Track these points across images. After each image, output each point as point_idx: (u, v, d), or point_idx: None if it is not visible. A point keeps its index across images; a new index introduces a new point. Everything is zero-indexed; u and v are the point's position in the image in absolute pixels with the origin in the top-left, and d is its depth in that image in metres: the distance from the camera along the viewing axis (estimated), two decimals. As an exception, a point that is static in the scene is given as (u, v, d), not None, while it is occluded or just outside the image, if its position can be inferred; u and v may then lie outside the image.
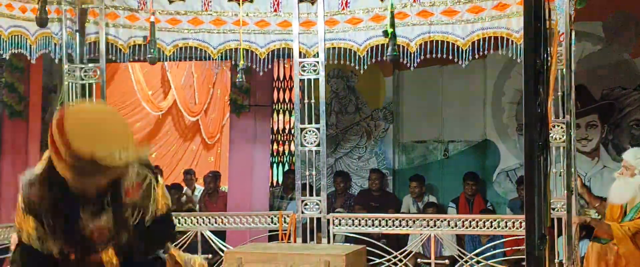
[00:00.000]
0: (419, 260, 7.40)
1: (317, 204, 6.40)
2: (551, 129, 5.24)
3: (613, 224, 5.57)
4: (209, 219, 6.73)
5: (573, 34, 5.46)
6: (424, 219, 6.34)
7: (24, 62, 7.25)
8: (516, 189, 8.49)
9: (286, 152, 10.15)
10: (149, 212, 2.57)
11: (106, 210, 2.47)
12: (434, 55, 6.04)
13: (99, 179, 2.35)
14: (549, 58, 2.93)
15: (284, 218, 6.46)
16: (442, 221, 6.29)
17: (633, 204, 5.57)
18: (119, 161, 2.27)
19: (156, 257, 2.73)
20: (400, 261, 6.41)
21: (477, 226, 6.16)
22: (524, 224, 2.93)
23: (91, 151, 2.24)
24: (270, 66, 6.70)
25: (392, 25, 5.56)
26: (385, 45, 5.74)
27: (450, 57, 5.99)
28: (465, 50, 5.93)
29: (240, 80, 6.25)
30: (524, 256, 2.77)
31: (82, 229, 2.49)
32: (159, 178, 2.62)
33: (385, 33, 5.59)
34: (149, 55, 6.04)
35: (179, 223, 6.55)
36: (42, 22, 5.48)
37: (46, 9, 5.54)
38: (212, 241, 6.69)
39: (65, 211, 2.46)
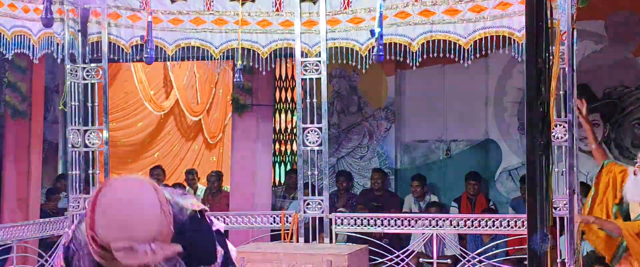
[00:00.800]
0: (421, 260, 7.40)
1: (320, 203, 6.40)
2: (553, 128, 5.23)
3: (620, 222, 5.56)
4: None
5: (575, 33, 5.45)
6: (426, 219, 6.33)
7: (27, 62, 7.26)
8: (519, 188, 8.49)
9: (288, 151, 10.16)
10: None
11: None
12: (435, 55, 6.03)
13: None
14: (551, 57, 2.93)
15: (286, 218, 6.46)
16: (444, 221, 6.29)
17: None
18: (138, 261, 2.21)
19: None
20: (403, 260, 6.41)
21: (479, 226, 6.16)
22: (526, 223, 2.93)
23: (108, 242, 2.21)
24: (272, 66, 6.70)
25: (380, 25, 5.55)
26: (374, 46, 5.75)
27: (452, 57, 5.98)
28: (467, 49, 5.93)
29: (238, 80, 6.24)
30: (527, 256, 2.77)
31: None
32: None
33: (372, 33, 5.60)
34: (146, 55, 6.05)
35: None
36: (48, 22, 5.48)
37: (52, 9, 5.54)
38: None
39: None
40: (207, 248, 2.54)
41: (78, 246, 2.45)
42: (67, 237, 2.49)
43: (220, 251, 2.59)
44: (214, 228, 2.59)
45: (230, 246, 2.66)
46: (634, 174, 5.57)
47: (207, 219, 2.56)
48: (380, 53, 5.52)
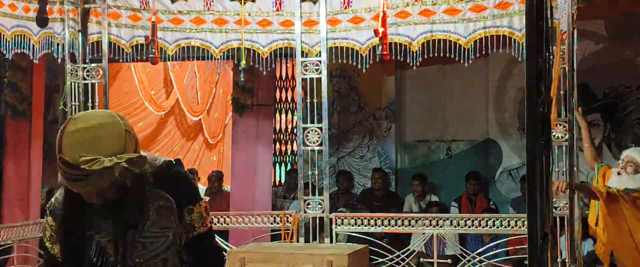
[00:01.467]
0: (421, 259, 7.40)
1: (320, 203, 6.40)
2: (553, 128, 5.24)
3: (601, 186, 5.59)
4: (212, 218, 6.72)
5: (575, 32, 5.45)
6: (427, 219, 6.34)
7: (27, 61, 7.26)
8: (519, 188, 8.49)
9: (289, 151, 10.15)
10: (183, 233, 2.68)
11: (122, 223, 2.56)
12: (436, 54, 6.04)
13: (93, 185, 2.42)
14: (551, 57, 2.93)
15: (287, 218, 6.47)
16: (444, 220, 6.29)
17: None
18: (107, 163, 2.36)
19: None
20: (403, 260, 6.41)
21: (479, 225, 6.16)
22: (526, 223, 2.93)
23: (76, 158, 2.35)
24: (272, 65, 6.70)
25: (384, 25, 5.56)
26: (377, 45, 5.76)
27: (453, 56, 5.99)
28: (468, 49, 5.93)
29: (242, 80, 6.25)
30: (527, 255, 2.77)
31: (94, 238, 2.60)
32: (199, 202, 2.72)
33: (376, 33, 5.60)
34: (150, 55, 6.05)
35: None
36: (42, 22, 5.48)
37: (46, 8, 5.55)
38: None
39: (70, 218, 2.60)
40: (187, 187, 2.69)
41: (57, 203, 2.65)
42: (53, 200, 2.68)
43: (201, 188, 2.78)
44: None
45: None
46: (618, 174, 5.59)
47: (180, 166, 2.74)
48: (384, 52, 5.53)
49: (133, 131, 2.50)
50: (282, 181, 9.97)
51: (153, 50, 6.00)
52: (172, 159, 2.74)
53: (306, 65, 6.37)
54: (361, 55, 6.24)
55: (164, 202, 2.60)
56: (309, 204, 6.42)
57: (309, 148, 6.39)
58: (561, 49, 5.24)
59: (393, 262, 6.43)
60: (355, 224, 6.38)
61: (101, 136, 2.39)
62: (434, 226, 6.26)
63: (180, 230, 2.66)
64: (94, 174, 2.37)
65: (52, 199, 2.70)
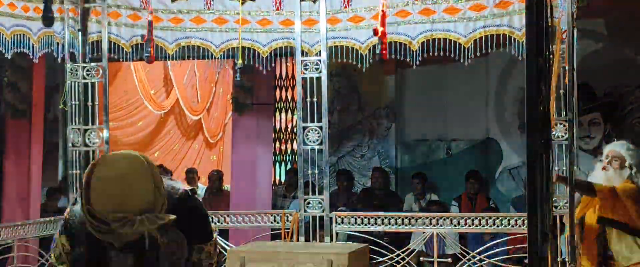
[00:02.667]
0: (421, 258, 7.40)
1: (320, 202, 6.40)
2: (553, 127, 5.23)
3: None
4: (212, 217, 6.73)
5: (575, 31, 5.45)
6: (427, 218, 6.33)
7: (27, 61, 7.25)
8: (522, 186, 8.49)
9: (288, 150, 10.16)
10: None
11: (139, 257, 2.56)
12: (436, 54, 6.03)
13: (121, 238, 2.42)
14: (551, 56, 2.93)
15: (287, 217, 6.46)
16: (444, 219, 6.29)
17: None
18: (138, 226, 2.33)
19: None
20: (403, 259, 6.41)
21: (479, 224, 6.16)
22: (526, 222, 2.93)
23: (106, 214, 2.33)
24: (272, 65, 6.69)
25: (383, 24, 5.55)
26: (376, 45, 5.76)
27: (453, 56, 5.98)
28: (468, 48, 5.93)
29: (238, 79, 6.25)
30: (527, 254, 2.77)
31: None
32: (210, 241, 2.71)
33: (376, 32, 5.59)
34: (146, 54, 6.05)
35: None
36: (48, 22, 5.48)
37: (52, 8, 5.55)
38: (215, 239, 6.68)
39: (92, 260, 2.59)
40: (202, 225, 2.65)
41: (74, 223, 2.57)
42: (64, 219, 2.63)
43: (215, 228, 2.74)
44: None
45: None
46: (603, 169, 5.56)
47: (198, 199, 2.67)
48: (382, 52, 5.53)
49: (159, 177, 2.44)
50: (282, 180, 9.98)
51: (149, 49, 6.00)
52: (189, 190, 2.69)
53: (306, 65, 6.37)
54: (361, 54, 6.23)
55: (175, 236, 2.57)
56: (309, 203, 6.42)
57: (309, 147, 6.39)
58: (561, 48, 5.23)
59: (393, 261, 6.43)
60: (355, 223, 6.38)
61: (131, 191, 2.34)
62: (434, 225, 6.26)
63: (188, 265, 2.65)
64: (125, 235, 2.35)
65: (67, 215, 2.63)
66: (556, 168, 5.46)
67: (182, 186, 2.69)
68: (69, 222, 2.62)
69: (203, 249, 2.67)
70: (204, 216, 2.72)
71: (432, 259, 6.54)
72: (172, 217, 2.39)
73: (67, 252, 2.61)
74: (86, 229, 2.47)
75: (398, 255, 6.42)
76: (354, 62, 6.26)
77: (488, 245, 6.60)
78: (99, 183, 2.34)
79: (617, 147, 5.57)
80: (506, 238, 6.47)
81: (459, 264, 6.36)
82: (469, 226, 6.20)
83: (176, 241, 2.57)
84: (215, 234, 2.83)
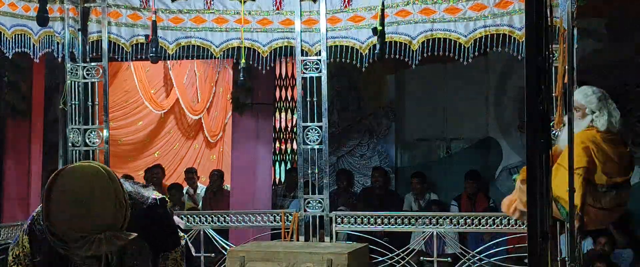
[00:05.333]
0: (421, 258, 7.40)
1: (320, 202, 6.40)
2: (559, 128, 5.23)
3: None
4: (212, 217, 6.74)
5: (575, 31, 5.44)
6: (427, 217, 6.34)
7: (27, 61, 7.26)
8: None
9: (288, 150, 10.15)
10: None
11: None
12: (436, 53, 6.04)
13: (79, 255, 2.39)
14: (551, 56, 2.93)
15: (287, 216, 6.47)
16: (444, 219, 6.30)
17: None
18: (96, 250, 2.29)
19: None
20: (403, 259, 6.42)
21: (479, 224, 6.16)
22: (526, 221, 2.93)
23: (65, 233, 2.28)
24: (272, 64, 6.70)
25: (382, 23, 5.55)
26: (376, 44, 5.76)
27: (453, 55, 5.99)
28: (468, 47, 5.93)
29: (242, 79, 6.25)
30: (527, 254, 2.77)
31: None
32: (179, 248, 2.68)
33: (374, 30, 5.59)
34: (151, 54, 6.05)
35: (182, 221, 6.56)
36: (42, 20, 5.48)
37: (47, 7, 5.55)
38: (215, 239, 6.70)
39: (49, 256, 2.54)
40: (168, 234, 2.63)
41: (38, 230, 2.54)
42: (31, 220, 2.58)
43: (183, 236, 2.70)
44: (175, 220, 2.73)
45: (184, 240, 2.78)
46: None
47: (167, 208, 2.65)
48: (382, 51, 5.52)
49: (121, 190, 2.38)
50: (282, 180, 9.97)
51: (154, 49, 6.00)
52: (158, 199, 2.65)
53: (306, 64, 6.37)
54: (361, 53, 6.24)
55: (137, 247, 2.54)
56: (309, 202, 6.42)
57: (309, 147, 6.39)
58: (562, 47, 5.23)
59: (393, 261, 6.43)
60: (355, 222, 6.39)
61: (91, 210, 2.28)
62: (434, 225, 6.27)
63: None
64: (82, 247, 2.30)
65: (35, 215, 2.58)
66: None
67: (152, 194, 2.65)
68: (33, 227, 2.57)
69: (169, 257, 2.66)
70: (171, 226, 2.71)
71: (432, 259, 6.54)
72: (133, 235, 2.34)
73: (25, 254, 2.57)
74: (48, 242, 2.44)
75: (398, 255, 6.42)
76: (354, 62, 6.27)
77: (488, 244, 6.60)
78: (58, 201, 2.29)
79: (577, 96, 5.24)
80: (506, 238, 6.47)
81: (459, 263, 6.37)
82: (469, 225, 6.20)
83: (140, 251, 2.55)
84: (183, 241, 2.79)
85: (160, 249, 2.64)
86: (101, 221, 2.30)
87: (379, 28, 5.55)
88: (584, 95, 5.20)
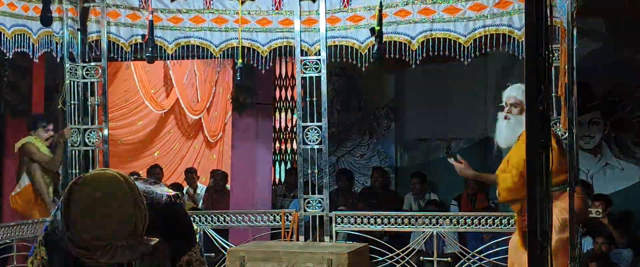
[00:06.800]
0: (421, 258, 7.40)
1: (320, 202, 6.40)
2: (564, 125, 5.22)
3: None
4: (212, 217, 6.73)
5: (575, 31, 5.44)
6: (427, 217, 6.34)
7: (27, 61, 7.26)
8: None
9: (288, 150, 10.15)
10: None
11: None
12: (436, 53, 6.03)
13: (98, 261, 2.36)
14: (551, 55, 2.93)
15: (287, 216, 6.46)
16: (444, 219, 6.29)
17: None
18: (118, 257, 2.28)
19: None
20: (403, 258, 6.41)
21: (479, 224, 6.16)
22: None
23: (85, 239, 2.27)
24: (272, 64, 6.70)
25: (380, 23, 5.55)
26: (373, 44, 5.76)
27: (452, 55, 5.99)
28: (467, 47, 5.93)
29: (239, 79, 6.25)
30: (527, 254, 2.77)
31: None
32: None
33: (372, 31, 5.59)
34: (147, 54, 6.05)
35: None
36: (46, 20, 5.48)
37: (50, 7, 5.55)
38: (215, 239, 6.69)
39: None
40: (186, 232, 2.63)
41: (54, 239, 2.50)
42: (45, 230, 2.56)
43: (197, 230, 2.68)
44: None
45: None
46: (505, 118, 5.22)
47: (181, 204, 2.64)
48: (380, 51, 5.52)
49: (139, 195, 2.37)
50: (282, 180, 9.97)
51: (150, 48, 6.00)
52: (172, 196, 2.63)
53: (306, 64, 6.37)
54: (361, 53, 6.23)
55: (158, 250, 2.49)
56: (308, 202, 6.42)
57: (309, 147, 6.39)
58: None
59: (393, 261, 6.43)
60: (355, 222, 6.38)
61: (111, 217, 2.27)
62: (434, 225, 6.26)
63: None
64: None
65: (49, 226, 2.57)
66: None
67: (165, 190, 2.64)
68: (49, 236, 2.56)
69: (189, 253, 2.66)
70: (188, 221, 2.70)
71: (432, 259, 6.54)
72: (154, 240, 2.34)
73: (44, 264, 2.57)
74: (66, 247, 2.40)
75: (398, 254, 6.42)
76: (354, 62, 6.26)
77: (488, 244, 6.60)
78: (79, 208, 2.28)
79: (514, 92, 5.23)
80: (506, 237, 6.46)
81: (459, 263, 6.36)
82: (469, 225, 6.20)
83: (160, 253, 2.54)
84: (197, 236, 2.80)
85: (179, 249, 2.63)
86: (123, 228, 2.29)
87: (377, 28, 5.55)
88: (523, 91, 5.06)
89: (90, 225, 2.26)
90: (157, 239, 2.35)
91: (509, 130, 5.21)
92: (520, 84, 5.14)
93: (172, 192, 2.63)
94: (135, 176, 2.57)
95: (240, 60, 6.25)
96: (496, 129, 5.36)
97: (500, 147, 5.30)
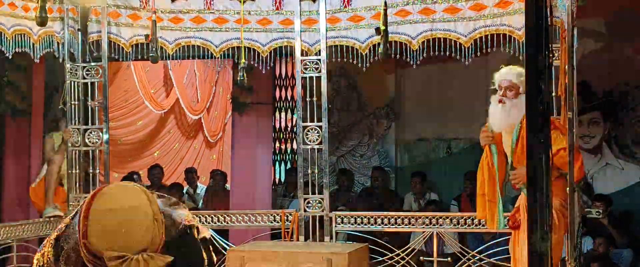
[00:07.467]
0: (421, 258, 7.40)
1: (320, 202, 6.40)
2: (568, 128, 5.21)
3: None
4: (212, 217, 6.73)
5: (575, 31, 5.44)
6: (427, 217, 6.34)
7: (27, 61, 7.26)
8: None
9: (288, 150, 10.15)
10: None
11: None
12: (436, 53, 6.04)
13: None
14: (551, 55, 2.93)
15: (287, 216, 6.46)
16: (444, 219, 6.29)
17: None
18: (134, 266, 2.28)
19: None
20: (403, 259, 6.41)
21: (479, 224, 6.16)
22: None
23: (102, 250, 2.26)
24: (272, 64, 6.70)
25: (385, 23, 5.55)
26: (378, 43, 5.76)
27: (453, 55, 5.99)
28: (468, 47, 5.94)
29: (242, 79, 6.25)
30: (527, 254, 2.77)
31: None
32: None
33: (378, 30, 5.59)
34: (151, 54, 6.05)
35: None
36: (42, 21, 5.48)
37: (46, 7, 5.55)
38: (215, 239, 6.69)
39: None
40: (199, 260, 2.59)
41: (65, 243, 2.48)
42: (60, 231, 2.53)
43: (205, 258, 2.66)
44: (201, 236, 2.64)
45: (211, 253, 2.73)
46: (500, 102, 5.06)
47: (196, 232, 2.61)
48: (387, 51, 5.51)
49: (158, 210, 2.37)
50: (282, 180, 9.97)
51: (154, 48, 6.00)
52: (189, 225, 2.59)
53: (306, 64, 6.37)
54: (361, 53, 6.23)
55: None
56: (308, 202, 6.42)
57: (309, 147, 6.39)
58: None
59: (393, 261, 6.43)
60: (355, 223, 6.38)
61: (130, 229, 2.28)
62: (434, 225, 6.26)
63: None
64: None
65: (64, 228, 2.54)
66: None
67: (184, 216, 2.64)
68: (60, 245, 2.57)
69: None
70: (199, 253, 2.69)
71: (432, 259, 6.54)
72: (169, 258, 2.35)
73: (50, 265, 2.56)
74: (78, 256, 2.41)
75: (398, 255, 6.42)
76: (354, 62, 6.27)
77: (488, 244, 6.60)
78: (97, 220, 2.29)
79: (509, 76, 5.09)
80: (506, 237, 6.46)
81: (459, 263, 6.36)
82: (469, 225, 6.19)
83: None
84: (214, 257, 2.78)
85: None
86: (139, 239, 2.30)
87: (383, 28, 5.54)
88: (518, 75, 4.96)
89: (108, 236, 2.27)
90: (171, 258, 2.34)
91: (504, 114, 5.03)
92: (515, 67, 5.06)
93: (189, 221, 2.59)
94: (158, 195, 2.54)
95: (243, 60, 6.24)
96: (489, 113, 5.17)
97: (494, 132, 5.20)
